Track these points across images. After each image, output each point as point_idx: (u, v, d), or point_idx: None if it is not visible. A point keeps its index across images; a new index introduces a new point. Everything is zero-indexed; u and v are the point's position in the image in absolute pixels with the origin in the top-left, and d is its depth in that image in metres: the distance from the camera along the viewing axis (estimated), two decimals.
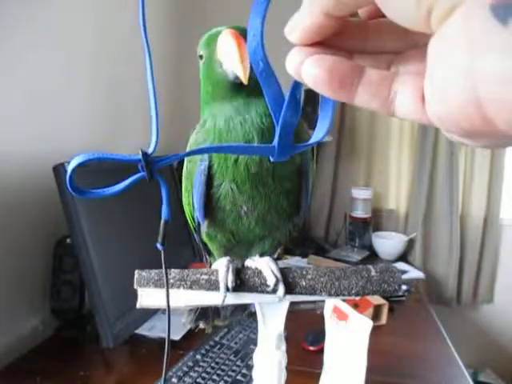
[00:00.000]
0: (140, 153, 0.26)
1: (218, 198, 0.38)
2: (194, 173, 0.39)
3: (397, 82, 0.19)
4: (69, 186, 0.27)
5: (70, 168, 0.26)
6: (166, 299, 0.31)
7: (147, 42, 0.28)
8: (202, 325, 0.48)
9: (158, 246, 0.30)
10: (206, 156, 0.37)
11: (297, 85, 0.27)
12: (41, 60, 0.92)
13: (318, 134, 0.30)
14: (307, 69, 0.19)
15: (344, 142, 1.78)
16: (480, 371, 1.70)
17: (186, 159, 0.40)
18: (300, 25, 0.19)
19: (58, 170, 0.78)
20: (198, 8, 1.72)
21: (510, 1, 0.11)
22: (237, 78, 0.31)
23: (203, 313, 0.48)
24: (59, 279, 0.92)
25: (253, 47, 0.27)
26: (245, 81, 0.30)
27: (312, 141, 0.30)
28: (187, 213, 0.43)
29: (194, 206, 0.40)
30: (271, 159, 0.30)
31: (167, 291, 0.32)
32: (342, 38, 0.19)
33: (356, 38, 0.20)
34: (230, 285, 0.34)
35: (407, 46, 0.16)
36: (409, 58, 0.19)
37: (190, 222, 0.44)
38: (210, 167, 0.37)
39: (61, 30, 0.97)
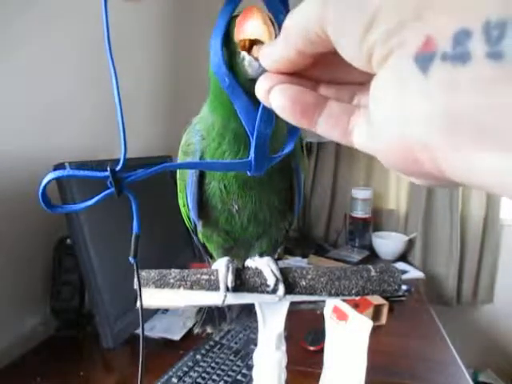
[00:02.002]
0: (108, 169, 0.27)
1: (209, 198, 0.38)
2: (186, 173, 0.39)
3: (355, 115, 0.19)
4: (41, 201, 0.27)
5: (42, 184, 0.27)
6: (140, 312, 0.31)
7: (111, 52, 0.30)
8: (209, 329, 0.48)
9: (130, 259, 0.30)
10: (197, 156, 0.37)
11: None
12: (41, 60, 0.92)
13: (290, 144, 0.32)
14: (273, 97, 0.20)
15: None
16: (480, 371, 1.70)
17: (179, 159, 0.40)
18: (273, 55, 0.20)
19: (58, 170, 0.78)
20: (198, 7, 1.72)
21: (428, 52, 0.13)
22: (259, 70, 0.27)
23: (210, 317, 0.48)
24: (59, 279, 0.92)
25: (216, 64, 0.29)
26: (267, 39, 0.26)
27: (284, 151, 0.32)
28: (183, 214, 0.43)
29: (188, 207, 0.40)
30: (248, 174, 0.30)
31: (140, 304, 0.32)
32: (310, 68, 0.20)
33: (323, 69, 0.20)
34: (230, 285, 0.34)
35: (370, 78, 0.17)
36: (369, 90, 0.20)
37: (187, 223, 0.44)
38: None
39: (61, 30, 0.97)
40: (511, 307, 1.74)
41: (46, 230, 0.93)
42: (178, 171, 0.41)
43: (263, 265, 0.36)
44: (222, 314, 0.48)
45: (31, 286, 0.92)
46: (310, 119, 0.20)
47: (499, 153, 0.12)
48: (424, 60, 0.13)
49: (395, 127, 0.15)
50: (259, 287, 0.35)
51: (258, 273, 0.36)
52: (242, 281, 0.35)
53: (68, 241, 0.89)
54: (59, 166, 0.79)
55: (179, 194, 0.42)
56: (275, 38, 0.26)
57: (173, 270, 0.36)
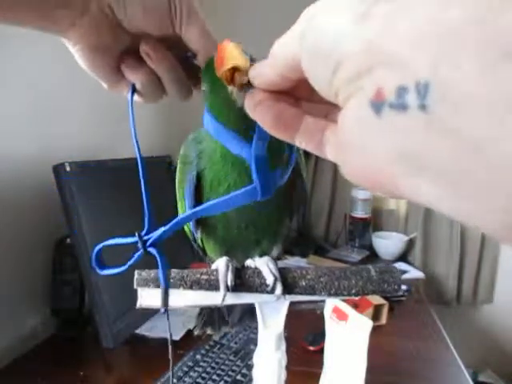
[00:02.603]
0: (136, 235, 0.33)
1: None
2: (184, 182, 0.39)
3: (328, 130, 0.22)
4: (95, 265, 0.37)
5: (94, 252, 0.37)
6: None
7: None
8: (209, 331, 0.48)
9: (162, 310, 0.37)
10: (194, 166, 0.38)
11: None
12: (42, 60, 0.92)
13: (292, 158, 0.35)
14: (259, 113, 0.24)
15: None
16: (480, 371, 1.70)
17: (177, 169, 0.41)
18: (262, 76, 0.23)
19: (58, 170, 0.78)
20: (201, 7, 1.72)
21: (379, 100, 0.16)
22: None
23: (210, 319, 0.48)
24: (59, 279, 0.92)
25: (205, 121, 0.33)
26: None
27: (290, 166, 0.35)
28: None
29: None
30: (258, 199, 0.32)
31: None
32: (293, 88, 0.23)
33: (304, 90, 0.23)
34: (229, 283, 0.34)
35: None
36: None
37: (186, 230, 0.44)
38: (198, 176, 0.38)
39: None
40: (511, 307, 1.74)
41: (45, 230, 0.93)
42: (176, 180, 0.42)
43: (262, 264, 0.36)
44: (223, 317, 0.48)
45: (31, 286, 0.92)
46: (290, 133, 0.23)
47: (430, 183, 0.15)
48: (377, 106, 0.16)
49: (358, 156, 0.18)
50: (259, 287, 0.35)
51: (258, 272, 0.36)
52: (242, 280, 0.35)
53: (68, 241, 0.89)
54: (59, 166, 0.79)
55: (179, 202, 0.42)
56: (250, 59, 0.28)
57: (172, 270, 0.36)
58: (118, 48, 0.33)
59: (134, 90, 0.34)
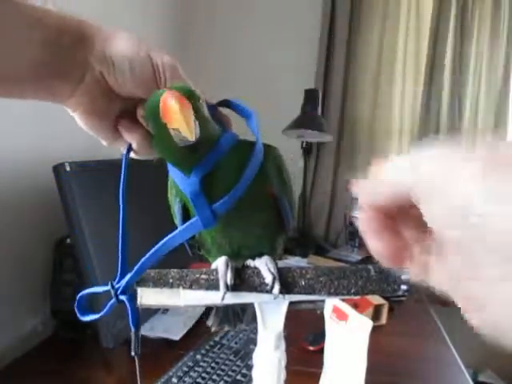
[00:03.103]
0: (109, 284, 0.35)
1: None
2: (174, 213, 0.41)
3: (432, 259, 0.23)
4: (77, 311, 0.40)
5: (77, 300, 0.40)
6: None
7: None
8: (226, 327, 0.49)
9: (132, 353, 0.36)
10: (179, 197, 0.39)
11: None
12: None
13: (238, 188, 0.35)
14: (369, 240, 0.27)
15: (344, 142, 1.78)
16: (480, 371, 1.70)
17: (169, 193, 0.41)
18: (376, 195, 0.24)
19: (58, 170, 0.78)
20: (201, 9, 1.72)
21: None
22: (184, 140, 0.30)
23: (226, 317, 0.48)
24: (59, 279, 0.92)
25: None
26: (191, 137, 0.29)
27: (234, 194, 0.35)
28: None
29: None
30: (203, 229, 0.34)
31: None
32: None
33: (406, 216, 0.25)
34: (229, 282, 0.34)
35: None
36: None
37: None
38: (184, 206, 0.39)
39: None
40: None
41: (45, 230, 0.93)
42: (168, 197, 0.42)
43: (261, 264, 0.36)
44: (238, 315, 0.48)
45: (31, 286, 0.92)
46: (400, 261, 0.26)
47: None
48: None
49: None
50: (258, 286, 0.35)
51: (258, 272, 0.36)
52: (242, 280, 0.35)
53: (68, 241, 0.89)
54: (59, 166, 0.79)
55: (174, 218, 0.43)
56: (192, 115, 0.30)
57: (172, 269, 0.36)
58: (113, 111, 0.36)
59: (129, 149, 0.36)
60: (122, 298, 0.35)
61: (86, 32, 0.33)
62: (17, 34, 0.30)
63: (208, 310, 0.49)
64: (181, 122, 0.29)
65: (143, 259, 0.34)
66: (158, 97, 0.30)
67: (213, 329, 0.48)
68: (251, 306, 0.45)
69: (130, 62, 0.33)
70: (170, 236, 0.34)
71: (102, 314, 0.37)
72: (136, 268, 0.34)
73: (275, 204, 0.38)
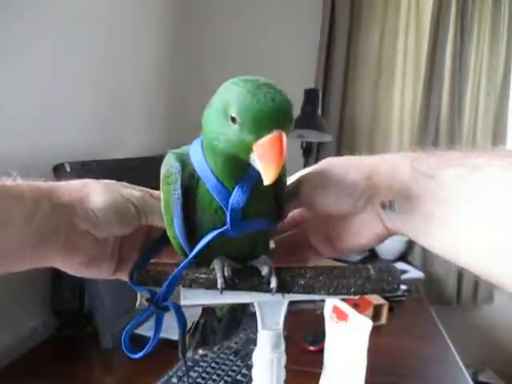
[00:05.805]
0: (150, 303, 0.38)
1: (197, 227, 0.37)
2: (170, 202, 0.37)
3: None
4: (126, 351, 0.40)
5: (123, 339, 0.41)
6: None
7: None
8: (201, 351, 0.48)
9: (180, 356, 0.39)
10: (178, 185, 0.36)
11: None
12: (43, 60, 0.92)
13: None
14: None
15: (344, 142, 1.78)
16: (480, 371, 1.70)
17: (161, 192, 0.39)
18: None
19: (58, 169, 0.78)
20: (199, 7, 1.72)
21: None
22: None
23: (204, 339, 0.46)
24: (59, 279, 0.92)
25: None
26: (267, 183, 0.29)
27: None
28: (174, 245, 0.40)
29: (178, 239, 0.38)
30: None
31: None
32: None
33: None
34: (226, 274, 0.34)
35: None
36: None
37: (178, 253, 0.41)
38: (185, 194, 0.36)
39: (62, 30, 0.97)
40: (511, 307, 1.74)
41: None
42: (162, 203, 0.39)
43: (260, 262, 0.36)
44: (214, 332, 0.47)
45: (31, 286, 0.92)
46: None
47: None
48: None
49: None
50: (258, 286, 0.35)
51: (256, 271, 0.36)
52: (241, 279, 0.35)
53: None
54: (59, 166, 0.79)
55: (166, 225, 0.39)
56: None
57: (171, 268, 0.36)
58: (106, 254, 0.39)
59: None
60: (167, 304, 0.37)
61: (60, 195, 0.36)
62: (3, 215, 0.31)
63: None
64: (274, 170, 0.29)
65: (181, 265, 0.35)
66: (265, 125, 0.29)
67: (188, 354, 0.45)
68: (223, 323, 0.46)
69: (113, 210, 0.36)
70: (201, 242, 0.35)
71: (146, 350, 0.39)
72: (173, 273, 0.35)
73: (275, 204, 0.38)
